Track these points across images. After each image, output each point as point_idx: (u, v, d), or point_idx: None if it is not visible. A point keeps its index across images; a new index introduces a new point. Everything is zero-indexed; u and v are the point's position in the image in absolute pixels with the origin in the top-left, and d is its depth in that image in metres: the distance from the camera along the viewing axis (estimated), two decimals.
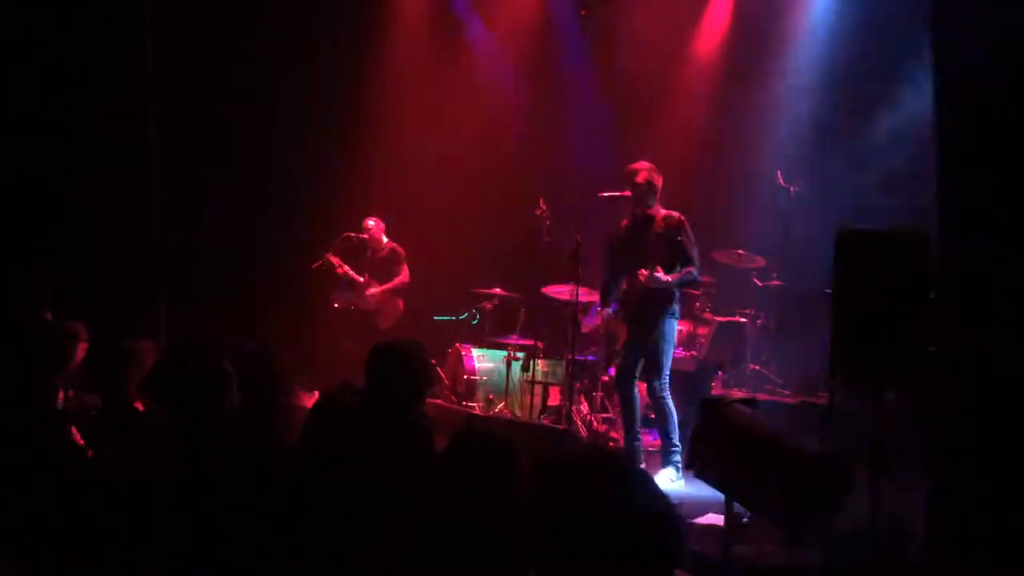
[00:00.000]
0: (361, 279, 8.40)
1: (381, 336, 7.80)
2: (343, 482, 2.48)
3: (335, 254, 8.36)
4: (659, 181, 6.12)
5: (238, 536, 2.27)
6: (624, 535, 1.50)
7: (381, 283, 8.40)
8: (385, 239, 8.51)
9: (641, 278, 5.85)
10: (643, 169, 6.12)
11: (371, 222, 8.51)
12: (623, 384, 6.19)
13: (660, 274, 5.80)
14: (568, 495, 1.55)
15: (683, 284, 6.04)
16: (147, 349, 4.18)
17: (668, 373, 6.13)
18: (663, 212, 6.10)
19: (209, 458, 2.65)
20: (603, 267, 6.55)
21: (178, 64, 7.94)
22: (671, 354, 6.18)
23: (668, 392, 6.07)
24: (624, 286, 6.21)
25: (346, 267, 8.41)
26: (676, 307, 6.12)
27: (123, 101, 7.62)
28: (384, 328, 8.21)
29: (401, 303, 8.40)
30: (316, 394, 3.22)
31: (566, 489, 1.56)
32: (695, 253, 6.04)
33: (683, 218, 6.05)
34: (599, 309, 6.57)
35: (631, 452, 6.05)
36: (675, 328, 6.17)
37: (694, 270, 6.01)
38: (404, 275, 8.37)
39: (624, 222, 6.31)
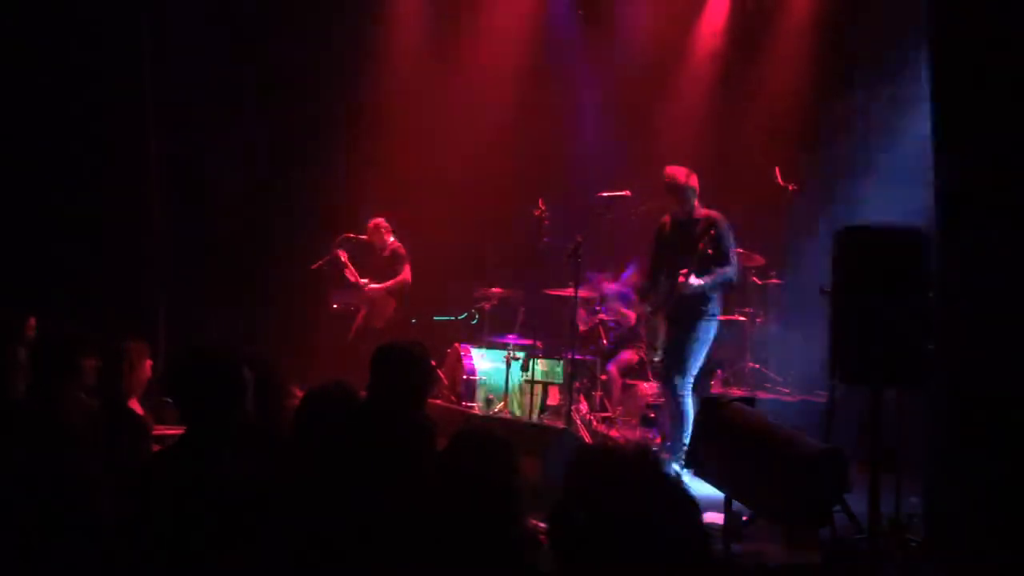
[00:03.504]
0: (362, 282, 8.33)
1: (376, 336, 7.75)
2: (342, 481, 2.49)
3: (333, 255, 8.32)
4: (695, 182, 6.20)
5: (243, 536, 2.28)
6: (657, 534, 1.50)
7: (382, 282, 8.36)
8: (391, 239, 8.42)
9: (680, 282, 6.01)
10: (678, 172, 6.22)
11: (374, 221, 8.41)
12: (665, 384, 6.32)
13: (693, 279, 5.93)
14: (600, 491, 1.55)
15: (716, 286, 6.12)
16: (138, 349, 4.20)
17: (694, 373, 6.18)
18: (703, 213, 6.19)
19: (218, 459, 2.66)
20: (647, 261, 6.67)
21: (177, 64, 7.93)
22: (701, 355, 6.22)
23: (688, 392, 6.13)
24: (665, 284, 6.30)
25: (351, 266, 8.35)
26: (713, 308, 6.19)
27: (123, 101, 7.62)
28: (378, 327, 8.14)
29: (393, 303, 8.34)
30: None
31: (597, 485, 1.56)
32: (731, 252, 6.12)
33: (719, 218, 6.14)
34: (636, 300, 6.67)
35: (677, 451, 6.03)
36: (710, 329, 6.22)
37: (729, 269, 6.11)
38: (405, 274, 8.25)
39: (667, 219, 6.40)
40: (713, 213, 6.17)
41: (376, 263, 8.42)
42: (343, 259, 8.25)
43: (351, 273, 8.31)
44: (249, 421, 2.82)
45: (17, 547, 2.30)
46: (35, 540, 2.31)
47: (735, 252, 6.22)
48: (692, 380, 6.17)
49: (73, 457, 3.07)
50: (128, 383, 4.10)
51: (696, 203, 6.22)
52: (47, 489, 2.54)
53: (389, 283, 8.24)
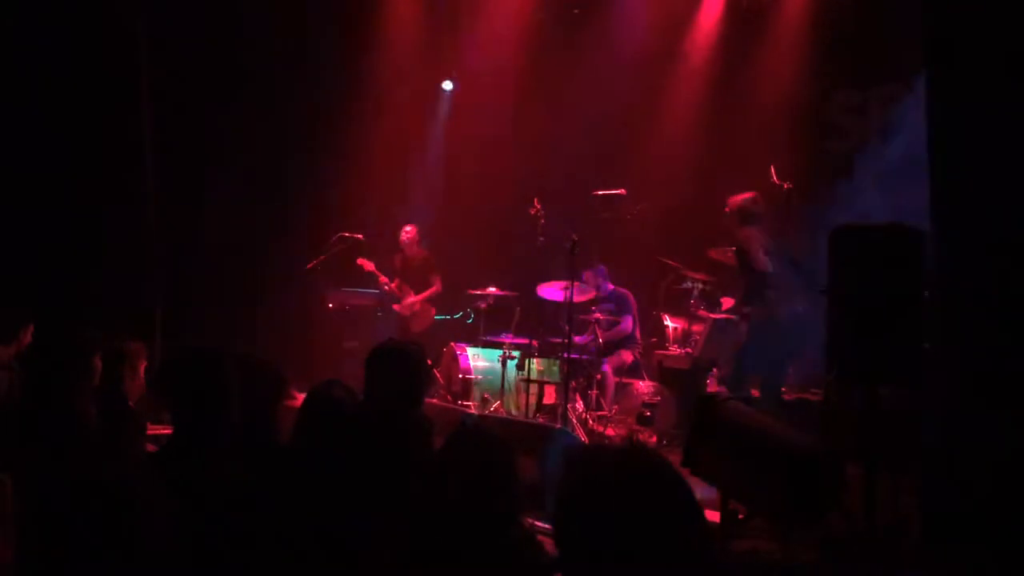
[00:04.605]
0: (392, 286, 8.60)
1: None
2: (340, 481, 2.49)
3: (329, 255, 8.36)
4: (751, 207, 6.35)
5: (239, 537, 2.27)
6: (656, 533, 1.50)
7: (414, 290, 8.65)
8: (417, 249, 8.70)
9: None
10: (730, 202, 6.41)
11: (408, 228, 8.67)
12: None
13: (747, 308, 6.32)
14: (597, 492, 1.54)
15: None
16: (136, 350, 4.21)
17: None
18: (739, 235, 6.37)
19: (211, 460, 2.65)
20: None
21: (174, 65, 7.91)
22: (748, 362, 6.39)
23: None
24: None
25: (380, 274, 8.53)
26: (753, 319, 6.32)
27: (119, 102, 7.60)
28: (416, 331, 8.49)
29: (433, 309, 8.72)
30: None
31: (593, 486, 1.56)
32: (756, 261, 6.22)
33: (742, 240, 6.29)
34: None
35: None
36: (749, 337, 6.38)
37: (765, 276, 6.24)
38: (437, 285, 8.66)
39: None
40: (741, 235, 6.30)
41: (408, 270, 8.71)
42: (368, 268, 8.49)
43: (384, 281, 8.58)
44: (240, 421, 2.81)
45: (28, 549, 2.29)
46: (40, 541, 2.30)
47: (759, 256, 6.24)
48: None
49: (85, 458, 3.06)
50: (129, 384, 4.10)
51: (750, 226, 6.36)
52: (61, 492, 2.53)
53: (425, 294, 8.64)
